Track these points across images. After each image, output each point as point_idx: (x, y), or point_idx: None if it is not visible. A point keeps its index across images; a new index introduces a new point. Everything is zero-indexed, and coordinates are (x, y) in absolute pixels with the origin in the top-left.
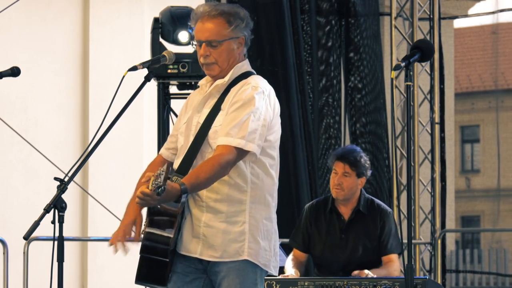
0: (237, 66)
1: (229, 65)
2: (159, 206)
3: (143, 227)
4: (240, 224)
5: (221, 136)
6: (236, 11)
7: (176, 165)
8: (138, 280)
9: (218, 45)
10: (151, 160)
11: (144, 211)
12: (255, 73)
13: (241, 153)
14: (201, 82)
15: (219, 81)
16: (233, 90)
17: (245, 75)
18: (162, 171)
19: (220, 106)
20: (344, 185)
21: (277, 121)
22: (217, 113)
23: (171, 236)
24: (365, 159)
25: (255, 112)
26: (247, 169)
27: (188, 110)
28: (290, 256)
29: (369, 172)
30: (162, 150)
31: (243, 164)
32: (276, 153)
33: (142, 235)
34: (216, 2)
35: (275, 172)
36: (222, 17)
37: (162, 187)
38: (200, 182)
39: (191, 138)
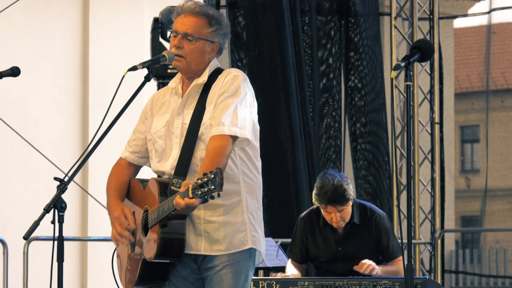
0: (210, 64)
1: (198, 66)
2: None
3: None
4: (239, 215)
5: (214, 126)
6: (219, 17)
7: (163, 168)
8: (139, 285)
9: (193, 41)
10: (115, 163)
11: None
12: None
13: (235, 140)
14: (171, 84)
15: (197, 81)
16: (215, 85)
17: (219, 71)
18: (213, 177)
19: (205, 105)
20: (344, 217)
21: (256, 109)
22: (203, 112)
23: (185, 235)
24: (346, 182)
25: (242, 100)
26: (237, 160)
27: (159, 112)
28: (290, 260)
29: (351, 186)
30: (126, 153)
31: (233, 155)
32: (257, 143)
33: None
34: (200, 2)
35: (259, 163)
36: (204, 17)
37: (217, 194)
38: None
39: (176, 140)
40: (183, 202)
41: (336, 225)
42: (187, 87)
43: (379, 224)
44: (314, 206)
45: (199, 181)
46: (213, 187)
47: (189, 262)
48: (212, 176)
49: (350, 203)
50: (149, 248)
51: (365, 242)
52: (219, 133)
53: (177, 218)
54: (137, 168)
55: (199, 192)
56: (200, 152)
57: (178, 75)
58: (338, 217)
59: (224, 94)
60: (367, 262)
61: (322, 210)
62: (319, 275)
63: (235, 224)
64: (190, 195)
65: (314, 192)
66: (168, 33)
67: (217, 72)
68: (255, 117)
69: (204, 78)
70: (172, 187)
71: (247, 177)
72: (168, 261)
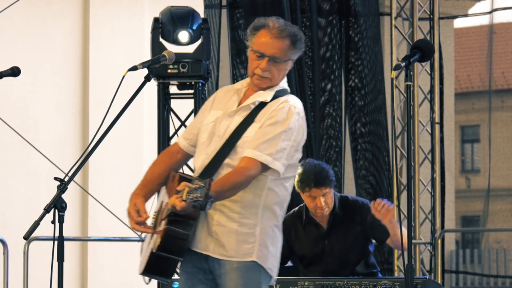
0: (279, 85)
1: (277, 82)
2: None
3: (152, 214)
4: (251, 226)
5: (249, 148)
6: (301, 37)
7: (196, 164)
8: (145, 273)
9: (280, 63)
10: (167, 148)
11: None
12: (289, 91)
13: (265, 169)
14: (237, 85)
15: (260, 97)
16: (271, 105)
17: (283, 92)
18: (203, 186)
19: (254, 119)
20: (328, 202)
21: (303, 143)
22: (249, 124)
23: (189, 236)
24: (327, 166)
25: (287, 131)
26: (268, 178)
27: (216, 107)
28: None
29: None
30: (181, 139)
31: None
32: (296, 170)
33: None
34: (283, 20)
35: (290, 186)
36: (290, 39)
37: (201, 203)
38: (225, 192)
39: (216, 139)
40: (172, 201)
41: (320, 213)
42: (250, 94)
43: (361, 210)
44: (296, 208)
45: (193, 186)
46: (199, 195)
47: (200, 261)
48: (202, 184)
49: (333, 188)
50: (156, 240)
51: (350, 231)
52: (251, 155)
53: (187, 218)
54: (186, 156)
55: (190, 197)
56: (230, 160)
57: (247, 80)
58: (323, 201)
59: (272, 119)
60: (381, 200)
61: (305, 198)
62: (308, 275)
63: (245, 235)
64: (184, 197)
65: (296, 179)
66: (249, 50)
67: (281, 92)
68: (299, 150)
69: (268, 97)
70: None
71: (271, 192)
72: (171, 257)
